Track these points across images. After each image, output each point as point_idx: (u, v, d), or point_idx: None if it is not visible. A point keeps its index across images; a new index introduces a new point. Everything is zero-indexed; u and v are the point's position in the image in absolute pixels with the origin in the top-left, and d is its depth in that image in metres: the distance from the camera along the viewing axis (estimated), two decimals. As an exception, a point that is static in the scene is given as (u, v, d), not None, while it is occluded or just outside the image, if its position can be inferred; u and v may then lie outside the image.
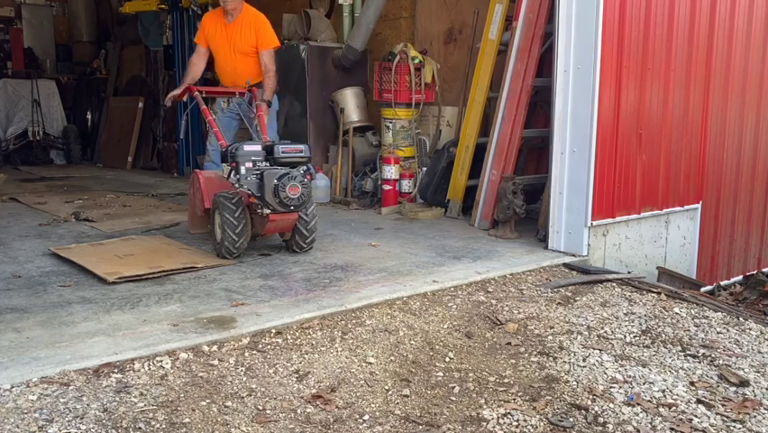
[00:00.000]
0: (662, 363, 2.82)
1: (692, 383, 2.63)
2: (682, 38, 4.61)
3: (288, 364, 2.64)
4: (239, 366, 2.60)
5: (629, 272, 4.24)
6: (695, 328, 3.26)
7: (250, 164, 3.93)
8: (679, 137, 4.75)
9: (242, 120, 5.17)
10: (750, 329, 3.30)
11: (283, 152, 3.96)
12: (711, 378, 2.70)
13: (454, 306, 3.37)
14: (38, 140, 9.68)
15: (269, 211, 3.86)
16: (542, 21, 4.77)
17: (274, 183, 3.76)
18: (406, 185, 5.79)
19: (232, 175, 3.98)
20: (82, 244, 4.39)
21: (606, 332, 3.14)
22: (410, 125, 5.80)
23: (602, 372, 2.70)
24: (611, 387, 2.56)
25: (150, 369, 2.53)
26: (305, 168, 4.01)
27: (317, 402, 2.36)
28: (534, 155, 5.53)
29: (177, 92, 4.97)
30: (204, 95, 4.77)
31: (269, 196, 3.78)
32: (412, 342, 2.91)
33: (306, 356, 2.72)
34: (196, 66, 5.19)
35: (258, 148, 4.01)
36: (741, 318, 3.44)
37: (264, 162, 3.98)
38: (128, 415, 2.21)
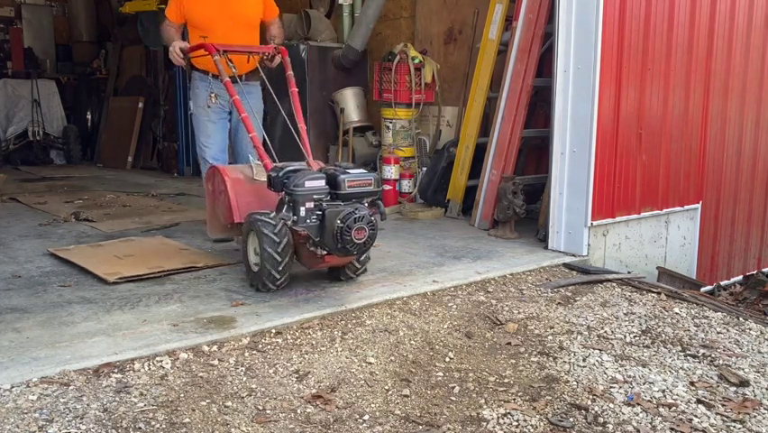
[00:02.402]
0: (662, 363, 2.82)
1: (692, 383, 2.63)
2: (682, 38, 4.61)
3: (288, 364, 2.64)
4: (239, 366, 2.60)
5: (629, 272, 4.24)
6: (695, 328, 3.26)
7: (311, 204, 3.21)
8: (679, 137, 4.75)
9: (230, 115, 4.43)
10: (750, 329, 3.30)
11: (349, 186, 3.25)
12: (711, 378, 2.70)
13: (454, 306, 3.37)
14: (38, 140, 9.68)
15: (325, 253, 3.24)
16: (542, 21, 4.76)
17: (338, 225, 3.09)
18: (406, 185, 5.79)
19: (284, 211, 3.31)
20: (81, 246, 4.38)
21: (606, 332, 3.14)
22: (410, 125, 5.80)
23: (602, 372, 2.70)
24: (611, 387, 2.56)
25: (150, 369, 2.53)
26: (372, 201, 3.34)
27: (317, 402, 2.36)
28: (534, 155, 5.52)
29: (184, 45, 4.12)
30: (225, 54, 3.81)
31: (330, 239, 3.13)
32: (412, 342, 2.91)
33: (306, 356, 2.72)
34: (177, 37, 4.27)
35: (321, 183, 3.25)
36: (741, 318, 3.44)
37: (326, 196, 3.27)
38: (128, 415, 2.21)
